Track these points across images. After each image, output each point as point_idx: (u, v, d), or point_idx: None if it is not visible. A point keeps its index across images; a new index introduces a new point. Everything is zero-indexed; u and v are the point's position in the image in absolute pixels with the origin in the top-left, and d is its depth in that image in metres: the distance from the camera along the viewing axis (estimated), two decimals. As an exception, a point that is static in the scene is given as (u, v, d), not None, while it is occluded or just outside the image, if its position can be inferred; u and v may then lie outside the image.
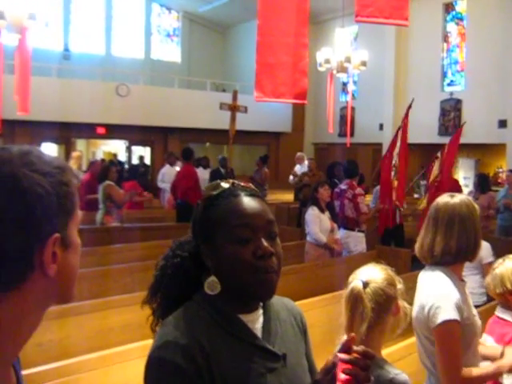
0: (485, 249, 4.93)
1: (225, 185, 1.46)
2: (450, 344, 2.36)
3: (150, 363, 1.31)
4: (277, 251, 1.40)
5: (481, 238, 2.53)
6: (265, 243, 1.37)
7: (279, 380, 1.38)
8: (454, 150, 7.90)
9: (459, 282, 2.50)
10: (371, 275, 2.22)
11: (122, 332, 4.01)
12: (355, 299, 2.18)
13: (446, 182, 7.35)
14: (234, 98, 10.39)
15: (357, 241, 7.24)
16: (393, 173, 7.88)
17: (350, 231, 7.29)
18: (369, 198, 9.66)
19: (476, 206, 2.55)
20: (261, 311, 1.46)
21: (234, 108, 10.35)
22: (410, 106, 8.17)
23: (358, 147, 16.93)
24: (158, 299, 1.46)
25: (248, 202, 1.41)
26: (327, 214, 6.93)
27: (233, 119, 10.28)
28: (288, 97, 5.73)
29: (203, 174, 11.37)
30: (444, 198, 2.57)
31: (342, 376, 1.28)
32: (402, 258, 6.70)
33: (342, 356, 1.31)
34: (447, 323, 2.35)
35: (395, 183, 7.87)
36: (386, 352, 2.79)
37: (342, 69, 10.91)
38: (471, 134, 12.78)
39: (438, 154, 8.32)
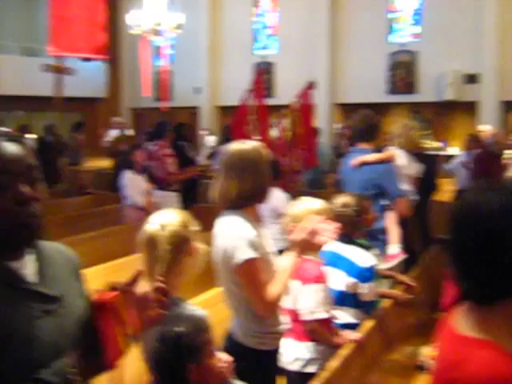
0: (281, 198, 5.32)
1: None
2: (254, 279, 2.52)
3: None
4: (37, 197, 1.40)
5: (269, 181, 2.72)
6: (24, 189, 1.36)
7: (57, 321, 1.42)
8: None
9: (254, 222, 2.68)
10: (166, 218, 2.31)
11: None
12: (152, 242, 2.25)
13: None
14: (57, 60, 9.26)
15: (170, 201, 7.35)
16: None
17: (163, 191, 7.40)
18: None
19: (265, 152, 2.72)
20: (33, 256, 1.45)
21: (58, 70, 9.35)
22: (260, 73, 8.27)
23: (176, 111, 16.95)
24: None
25: (5, 147, 1.38)
26: (143, 176, 6.98)
27: (58, 83, 9.46)
28: (85, 51, 5.60)
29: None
30: (235, 145, 2.69)
31: None
32: (217, 214, 6.90)
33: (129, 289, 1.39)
34: (247, 262, 2.50)
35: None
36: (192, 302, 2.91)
37: (155, 32, 10.82)
38: (284, 95, 13.29)
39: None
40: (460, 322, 1.27)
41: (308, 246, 2.63)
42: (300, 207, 3.14)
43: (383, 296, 3.81)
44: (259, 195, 2.68)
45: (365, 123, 4.46)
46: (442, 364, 1.26)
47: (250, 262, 2.51)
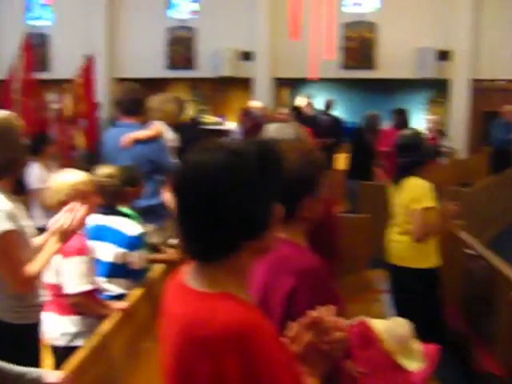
0: (34, 175, 5.17)
1: None
2: (10, 252, 2.43)
3: None
4: None
5: (24, 154, 2.63)
6: None
7: None
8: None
9: (10, 194, 2.57)
10: None
11: None
12: None
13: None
14: None
15: None
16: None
17: None
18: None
19: (18, 123, 2.61)
20: None
21: None
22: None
23: None
24: None
25: None
26: None
27: None
28: None
29: None
30: None
31: None
32: None
33: None
34: (3, 234, 2.41)
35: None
36: None
37: None
38: (61, 69, 12.72)
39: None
40: (192, 280, 1.29)
41: (67, 235, 2.59)
42: (60, 180, 3.07)
43: (155, 261, 3.88)
44: (12, 168, 2.58)
45: (130, 97, 4.38)
46: (179, 322, 1.25)
47: (5, 234, 2.42)
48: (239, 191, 1.19)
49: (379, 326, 2.58)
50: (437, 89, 14.34)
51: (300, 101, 9.58)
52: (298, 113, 7.98)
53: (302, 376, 1.36)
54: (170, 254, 3.99)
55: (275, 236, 1.32)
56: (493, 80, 13.34)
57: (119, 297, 3.37)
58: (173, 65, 14.28)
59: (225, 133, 11.22)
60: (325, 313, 1.38)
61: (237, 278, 1.28)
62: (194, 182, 1.21)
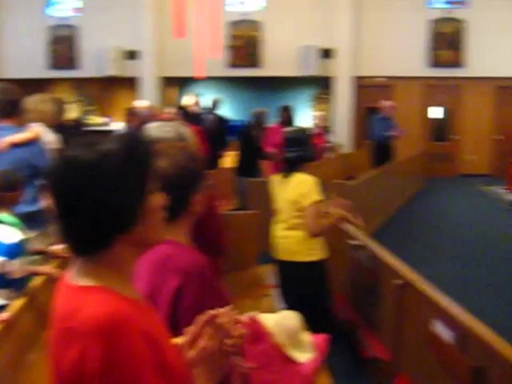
0: None
1: None
2: None
3: None
4: None
5: None
6: None
7: None
8: None
9: None
10: None
11: None
12: None
13: None
14: None
15: None
16: None
17: None
18: None
19: None
20: None
21: None
22: None
23: None
24: None
25: None
26: None
27: None
28: None
29: None
30: None
31: None
32: None
33: None
34: None
35: None
36: None
37: None
38: None
39: None
40: (74, 275, 1.29)
41: None
42: None
43: (36, 273, 3.71)
44: None
45: (5, 98, 4.14)
46: (57, 317, 1.27)
47: None
48: (104, 186, 1.20)
49: (269, 320, 2.61)
50: (321, 86, 14.80)
51: (187, 99, 9.54)
52: (184, 112, 7.93)
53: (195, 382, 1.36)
54: (52, 271, 3.82)
55: (156, 228, 1.33)
56: (373, 77, 13.95)
57: (0, 308, 3.20)
58: (55, 65, 13.85)
59: (110, 133, 10.97)
60: (223, 311, 1.40)
61: (116, 272, 1.28)
62: (62, 180, 1.23)
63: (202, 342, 1.38)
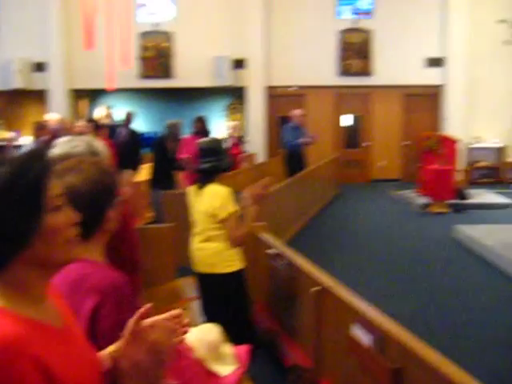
0: None
1: None
2: None
3: None
4: None
5: None
6: None
7: None
8: None
9: None
10: None
11: None
12: None
13: None
14: None
15: None
16: None
17: None
18: None
19: None
20: None
21: None
22: None
23: None
24: None
25: None
26: None
27: None
28: None
29: None
30: None
31: None
32: None
33: None
34: None
35: None
36: None
37: None
38: None
39: None
40: None
41: None
42: None
43: None
44: None
45: None
46: None
47: None
48: None
49: (189, 335, 2.58)
50: (234, 96, 14.90)
51: (99, 112, 9.35)
52: (95, 124, 7.76)
53: None
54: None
55: (62, 248, 1.28)
56: (284, 86, 14.18)
57: None
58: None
59: (16, 148, 10.57)
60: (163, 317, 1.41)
61: (19, 293, 1.23)
62: None
63: (137, 354, 1.36)
